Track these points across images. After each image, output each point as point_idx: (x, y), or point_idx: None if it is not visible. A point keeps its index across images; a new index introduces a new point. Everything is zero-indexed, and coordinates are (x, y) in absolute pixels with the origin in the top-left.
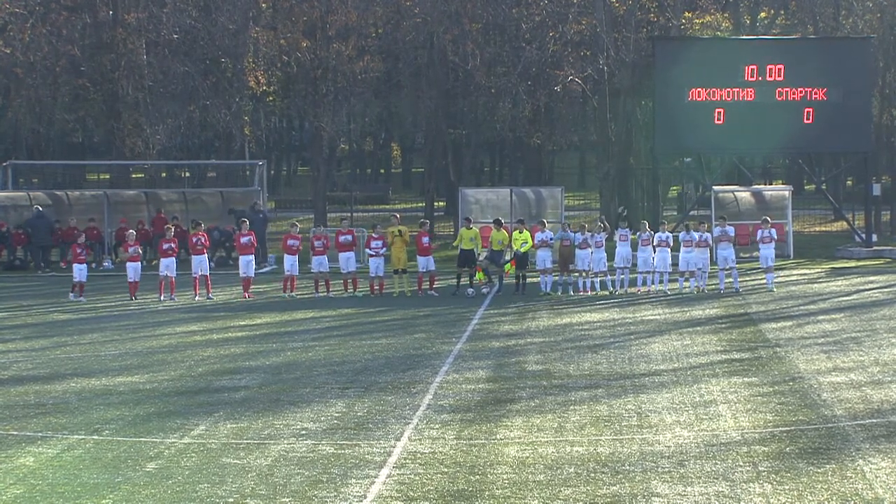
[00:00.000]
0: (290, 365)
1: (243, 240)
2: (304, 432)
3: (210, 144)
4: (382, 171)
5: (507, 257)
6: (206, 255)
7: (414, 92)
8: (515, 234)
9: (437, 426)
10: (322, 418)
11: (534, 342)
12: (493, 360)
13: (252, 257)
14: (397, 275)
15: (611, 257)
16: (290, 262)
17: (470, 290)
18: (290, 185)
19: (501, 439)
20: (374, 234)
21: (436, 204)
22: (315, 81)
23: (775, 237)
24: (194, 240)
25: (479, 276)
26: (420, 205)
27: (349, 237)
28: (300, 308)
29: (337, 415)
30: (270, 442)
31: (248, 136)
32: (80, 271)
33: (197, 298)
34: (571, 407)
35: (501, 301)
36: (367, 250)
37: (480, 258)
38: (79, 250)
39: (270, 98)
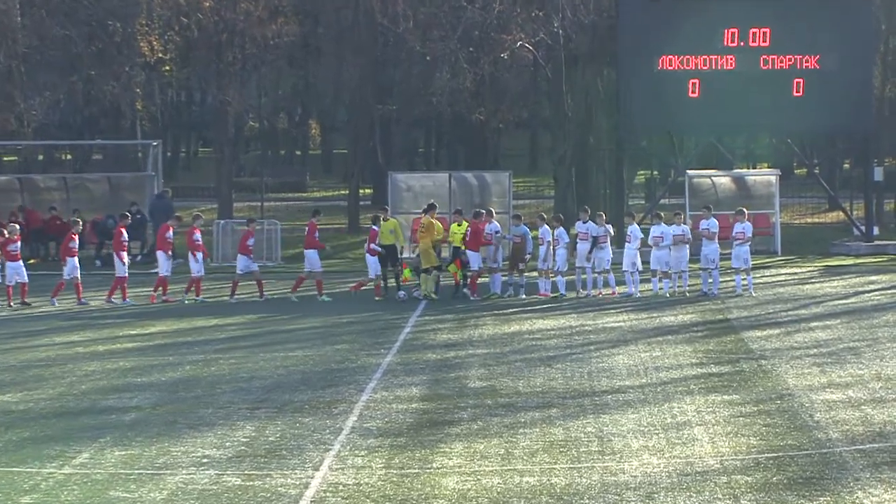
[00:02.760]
0: (189, 381)
1: (168, 235)
2: (205, 461)
3: (95, 122)
4: (298, 152)
5: (445, 255)
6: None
7: (336, 60)
8: (454, 227)
9: (362, 453)
10: (227, 444)
11: (477, 354)
12: (428, 375)
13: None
14: (426, 274)
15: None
16: (198, 261)
17: (401, 293)
18: (189, 170)
19: (439, 468)
20: (375, 228)
21: (361, 191)
22: (219, 47)
23: (749, 234)
24: (70, 243)
25: (405, 273)
26: (342, 192)
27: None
28: (201, 314)
29: (245, 440)
30: (166, 472)
31: (140, 112)
32: (14, 271)
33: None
34: (521, 430)
35: (438, 305)
36: (373, 245)
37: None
38: (11, 247)
39: (167, 68)
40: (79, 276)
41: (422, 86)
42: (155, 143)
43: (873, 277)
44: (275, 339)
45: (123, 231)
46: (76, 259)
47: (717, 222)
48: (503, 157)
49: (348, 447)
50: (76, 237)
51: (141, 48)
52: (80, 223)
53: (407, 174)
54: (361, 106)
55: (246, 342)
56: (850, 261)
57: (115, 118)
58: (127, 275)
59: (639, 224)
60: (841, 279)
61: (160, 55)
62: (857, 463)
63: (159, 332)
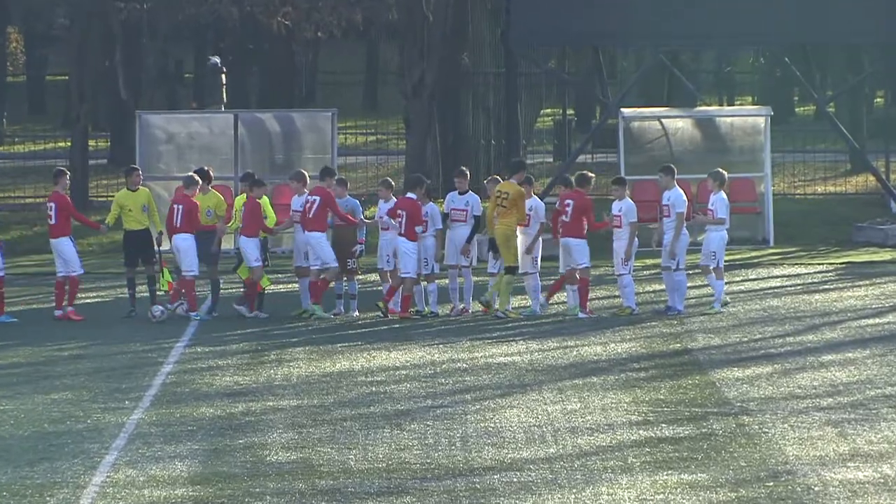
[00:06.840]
0: None
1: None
2: None
3: None
4: None
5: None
6: None
7: None
8: (240, 199)
9: None
10: None
11: (282, 407)
12: (203, 443)
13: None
14: (507, 274)
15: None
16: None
17: (156, 310)
18: None
19: None
20: (416, 197)
21: (92, 143)
22: None
23: (721, 213)
24: None
25: (165, 277)
26: (62, 144)
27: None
28: None
29: None
30: None
31: None
32: None
33: None
34: None
35: (218, 328)
36: (388, 219)
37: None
38: None
39: None
40: None
41: None
42: None
43: None
44: None
45: None
46: None
47: (683, 195)
48: (323, 89)
49: None
50: None
51: None
52: None
53: (167, 114)
54: (91, 5)
55: None
56: (886, 254)
57: None
58: None
59: (541, 197)
60: (871, 285)
61: None
62: None
63: None
